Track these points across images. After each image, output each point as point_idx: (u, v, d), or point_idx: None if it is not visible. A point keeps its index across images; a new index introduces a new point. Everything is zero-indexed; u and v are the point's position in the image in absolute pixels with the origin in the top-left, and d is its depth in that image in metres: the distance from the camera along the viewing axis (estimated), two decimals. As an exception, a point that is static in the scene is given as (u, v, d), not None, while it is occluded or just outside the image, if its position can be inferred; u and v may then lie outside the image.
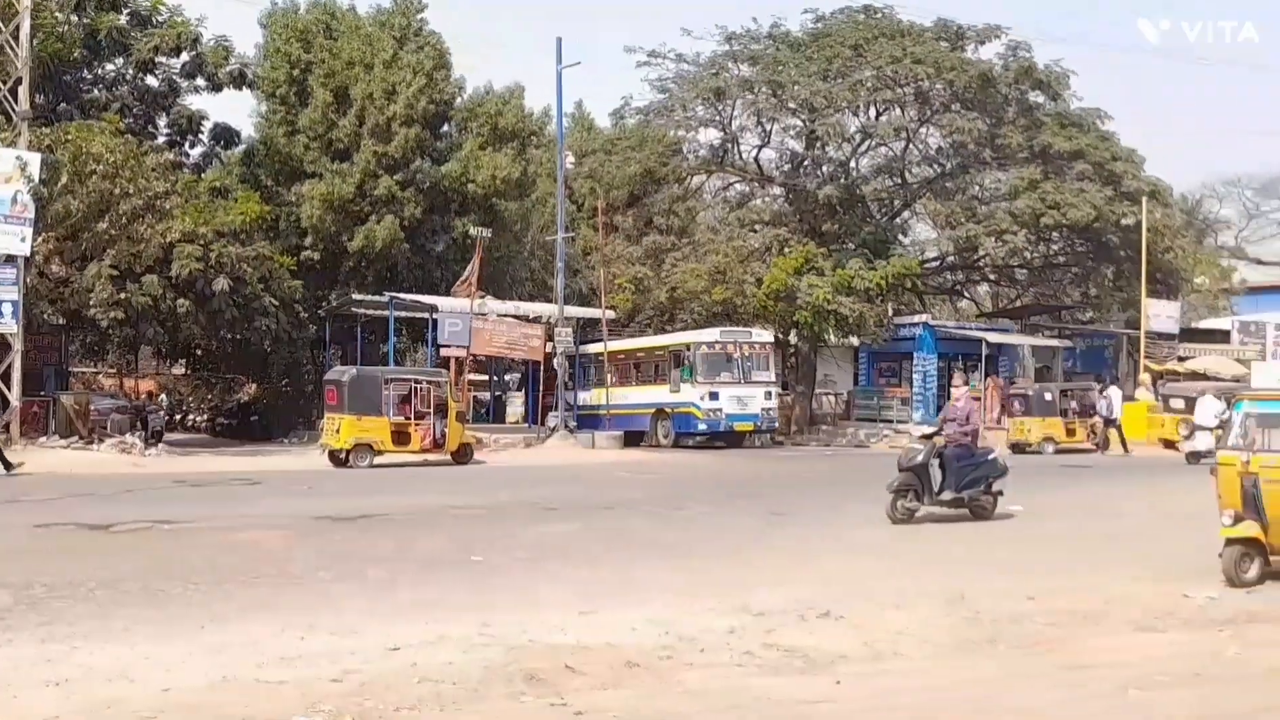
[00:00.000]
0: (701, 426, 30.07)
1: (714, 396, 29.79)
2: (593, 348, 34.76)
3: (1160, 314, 37.79)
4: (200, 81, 34.32)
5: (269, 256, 31.36)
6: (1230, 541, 9.99)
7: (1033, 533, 13.83)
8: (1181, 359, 38.79)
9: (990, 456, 14.72)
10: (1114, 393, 28.98)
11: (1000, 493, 14.65)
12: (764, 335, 32.34)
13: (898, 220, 42.05)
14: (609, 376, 33.61)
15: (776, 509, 15.85)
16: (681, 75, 40.08)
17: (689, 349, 30.79)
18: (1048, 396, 29.39)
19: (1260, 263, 67.17)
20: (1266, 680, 7.12)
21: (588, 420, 33.40)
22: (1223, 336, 41.23)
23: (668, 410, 31.00)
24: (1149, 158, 39.05)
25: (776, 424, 32.36)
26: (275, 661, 7.15)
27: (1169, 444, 28.77)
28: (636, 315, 37.46)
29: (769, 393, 31.07)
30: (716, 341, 30.75)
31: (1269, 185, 68.06)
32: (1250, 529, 9.92)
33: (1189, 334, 41.80)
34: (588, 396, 34.56)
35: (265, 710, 6.20)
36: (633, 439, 32.02)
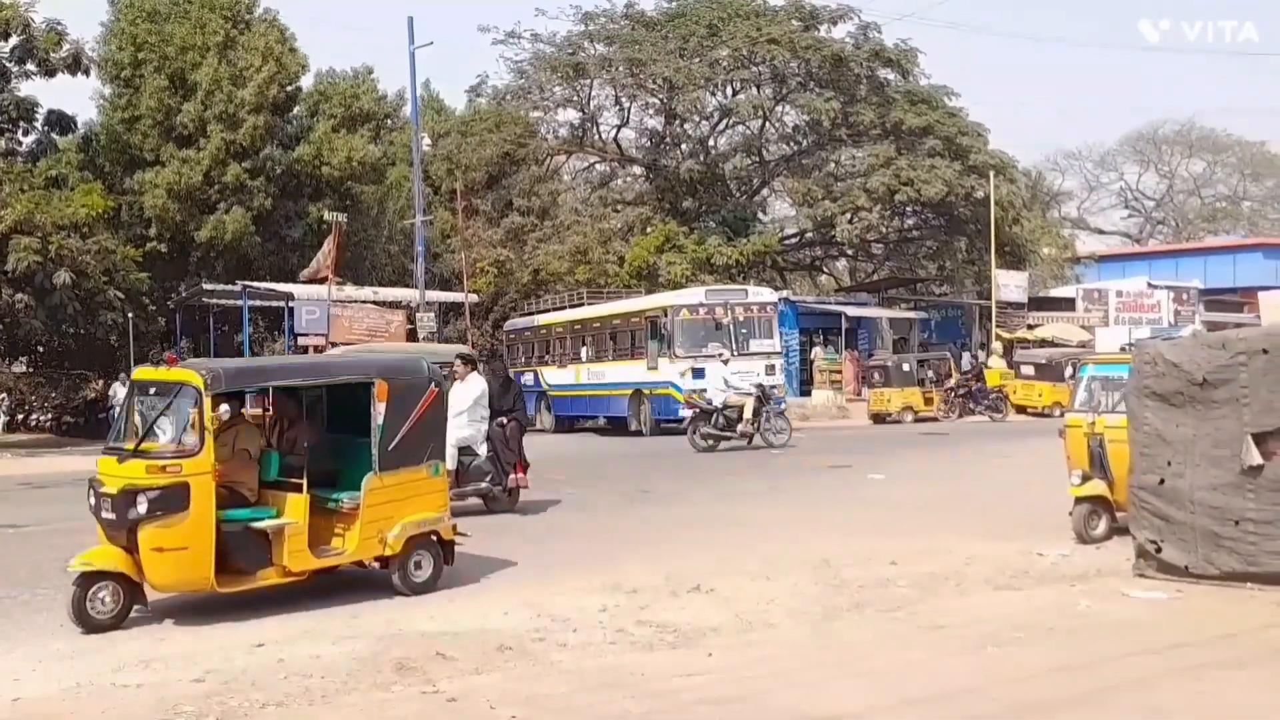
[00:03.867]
0: (683, 411, 23.10)
1: (698, 374, 23.84)
2: (542, 318, 31.63)
3: (1009, 284, 39.07)
4: (31, 67, 32.62)
5: (112, 250, 30.13)
6: (1079, 500, 10.41)
7: (893, 497, 14.12)
8: (1031, 327, 40.35)
9: None
10: None
11: None
12: (765, 294, 26.42)
13: (757, 198, 42.66)
14: (584, 351, 28.44)
15: (643, 486, 15.91)
16: (538, 55, 39.92)
17: (665, 314, 24.95)
18: (906, 367, 29.91)
19: (1101, 232, 70.19)
20: (1114, 631, 7.43)
21: (562, 404, 29.38)
22: (1068, 304, 42.94)
23: (645, 391, 25.37)
24: (996, 133, 40.43)
25: (784, 403, 24.73)
26: (133, 665, 6.91)
27: (1021, 409, 29.91)
28: (500, 298, 37.13)
29: (771, 366, 24.38)
30: (700, 304, 24.88)
31: (1106, 158, 71.19)
32: (1097, 487, 10.34)
33: (1037, 302, 43.41)
34: (564, 375, 29.20)
35: (122, 716, 5.99)
36: (617, 426, 27.23)
